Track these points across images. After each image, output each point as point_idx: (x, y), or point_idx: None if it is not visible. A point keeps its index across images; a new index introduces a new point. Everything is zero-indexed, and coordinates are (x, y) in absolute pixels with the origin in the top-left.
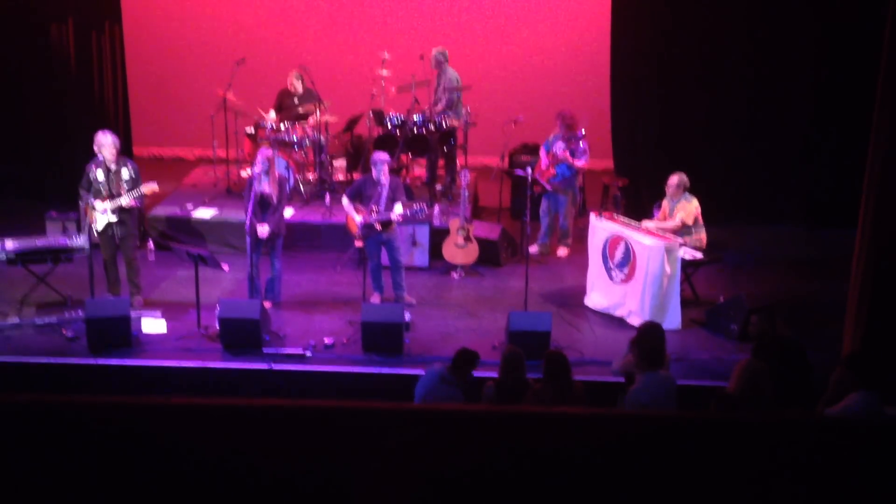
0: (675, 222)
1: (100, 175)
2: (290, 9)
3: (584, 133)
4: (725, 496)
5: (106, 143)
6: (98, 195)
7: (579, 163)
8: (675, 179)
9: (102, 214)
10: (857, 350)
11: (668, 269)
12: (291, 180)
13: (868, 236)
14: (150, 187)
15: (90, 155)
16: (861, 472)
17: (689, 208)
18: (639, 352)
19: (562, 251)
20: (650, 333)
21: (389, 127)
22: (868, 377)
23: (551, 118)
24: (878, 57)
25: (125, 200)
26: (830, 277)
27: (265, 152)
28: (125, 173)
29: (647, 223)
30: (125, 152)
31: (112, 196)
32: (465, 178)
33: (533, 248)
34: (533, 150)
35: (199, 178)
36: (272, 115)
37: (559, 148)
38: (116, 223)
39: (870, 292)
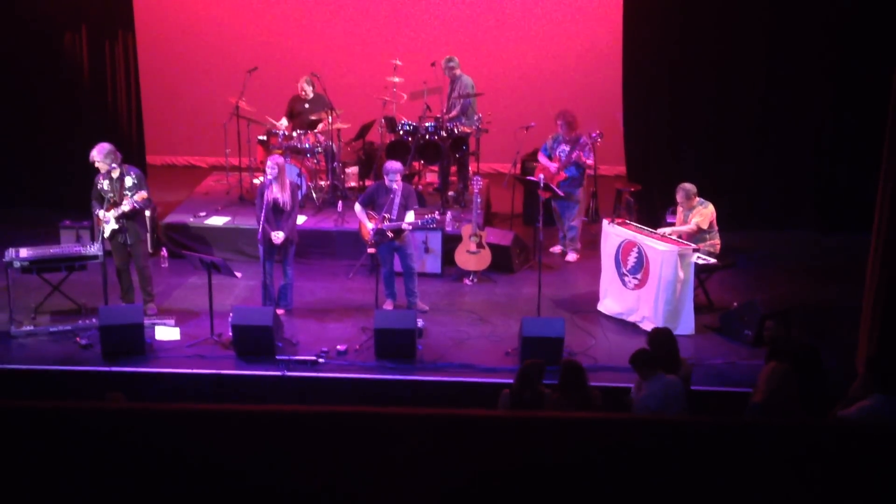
0: (689, 226)
1: (105, 184)
2: (302, 17)
3: (579, 135)
4: (739, 500)
5: (93, 157)
6: (105, 204)
7: (590, 160)
8: (680, 195)
9: (107, 223)
10: (875, 354)
11: (681, 274)
12: (304, 187)
13: (883, 240)
14: (141, 195)
15: None
16: (874, 475)
17: (704, 213)
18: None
19: (571, 256)
20: (652, 339)
21: (401, 134)
22: (884, 381)
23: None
24: (893, 61)
25: (126, 206)
26: (845, 282)
27: (275, 159)
28: (128, 181)
29: (662, 230)
30: (138, 161)
31: (116, 204)
32: (477, 185)
33: (556, 248)
34: None
35: (211, 186)
36: (284, 122)
37: (563, 151)
38: (122, 230)
39: (885, 296)
